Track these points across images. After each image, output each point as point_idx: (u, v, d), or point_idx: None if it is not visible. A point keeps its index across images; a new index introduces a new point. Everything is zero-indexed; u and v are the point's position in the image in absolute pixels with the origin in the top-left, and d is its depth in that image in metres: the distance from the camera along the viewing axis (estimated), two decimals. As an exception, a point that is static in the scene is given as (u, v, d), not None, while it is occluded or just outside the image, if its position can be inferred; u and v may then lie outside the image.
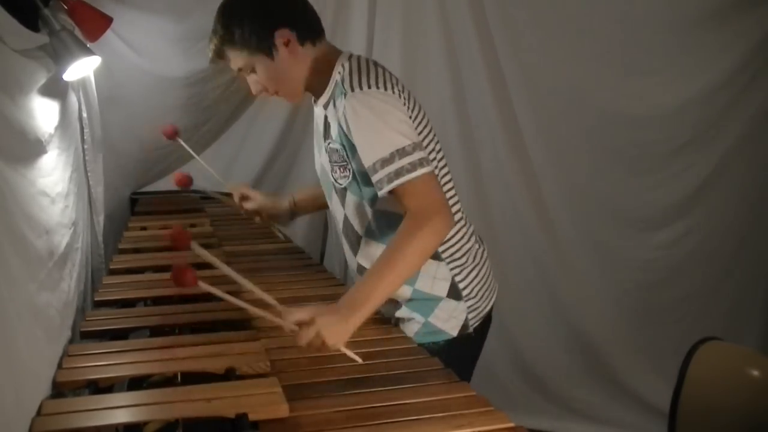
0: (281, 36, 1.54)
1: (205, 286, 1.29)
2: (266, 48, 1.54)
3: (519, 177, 2.98)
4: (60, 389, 1.40)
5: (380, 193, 1.47)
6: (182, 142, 2.19)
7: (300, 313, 1.32)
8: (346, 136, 1.53)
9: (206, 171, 2.25)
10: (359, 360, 1.38)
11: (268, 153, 3.30)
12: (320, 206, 2.12)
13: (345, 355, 1.37)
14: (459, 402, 1.30)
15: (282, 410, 1.24)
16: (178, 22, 2.84)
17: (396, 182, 1.43)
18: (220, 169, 3.27)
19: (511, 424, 1.21)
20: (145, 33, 2.82)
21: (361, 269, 1.71)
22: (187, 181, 2.19)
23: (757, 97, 2.72)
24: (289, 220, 2.10)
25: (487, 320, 1.75)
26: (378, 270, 1.40)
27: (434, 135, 1.63)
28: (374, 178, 1.47)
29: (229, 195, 2.11)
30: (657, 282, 2.95)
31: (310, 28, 1.58)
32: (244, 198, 2.04)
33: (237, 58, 1.57)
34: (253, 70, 1.58)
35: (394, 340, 1.60)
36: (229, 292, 1.36)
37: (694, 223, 2.88)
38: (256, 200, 2.03)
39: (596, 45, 2.79)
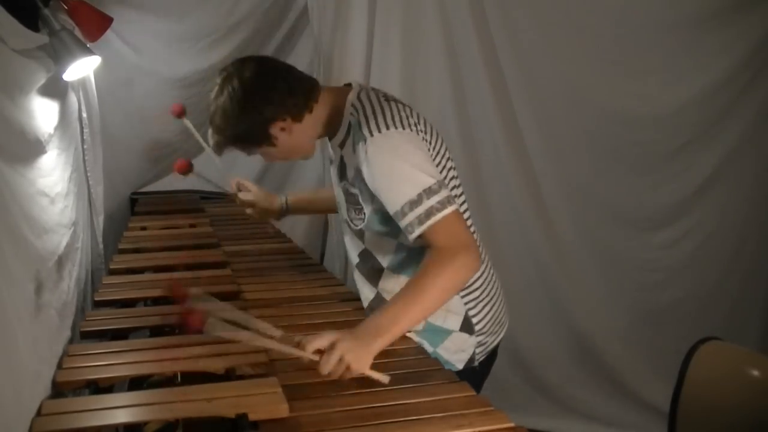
0: (276, 127, 1.54)
1: (216, 331, 1.27)
2: (265, 141, 1.55)
3: (519, 177, 2.98)
4: (60, 389, 1.40)
5: (411, 237, 1.44)
6: (187, 123, 2.24)
7: (319, 341, 1.29)
8: (364, 182, 1.51)
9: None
10: (386, 380, 1.34)
11: (268, 153, 3.30)
12: (313, 211, 2.12)
13: (369, 378, 1.34)
14: (459, 402, 1.30)
15: (282, 410, 1.24)
16: (178, 22, 2.85)
17: (427, 224, 1.40)
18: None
19: (511, 424, 1.21)
20: (145, 33, 2.83)
21: (379, 298, 1.68)
22: (187, 168, 2.19)
23: (757, 97, 2.71)
24: (279, 218, 2.11)
25: (492, 355, 1.73)
26: (403, 300, 1.37)
27: (450, 160, 1.61)
28: (403, 223, 1.44)
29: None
30: (657, 282, 2.95)
31: (302, 104, 1.55)
32: (240, 188, 2.05)
33: (243, 150, 1.60)
34: (262, 153, 1.61)
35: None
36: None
37: (694, 223, 2.88)
38: (253, 192, 2.04)
39: (596, 45, 2.78)
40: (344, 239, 1.75)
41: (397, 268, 1.64)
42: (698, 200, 2.85)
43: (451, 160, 1.62)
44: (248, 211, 2.05)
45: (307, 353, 1.29)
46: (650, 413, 2.90)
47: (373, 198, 1.51)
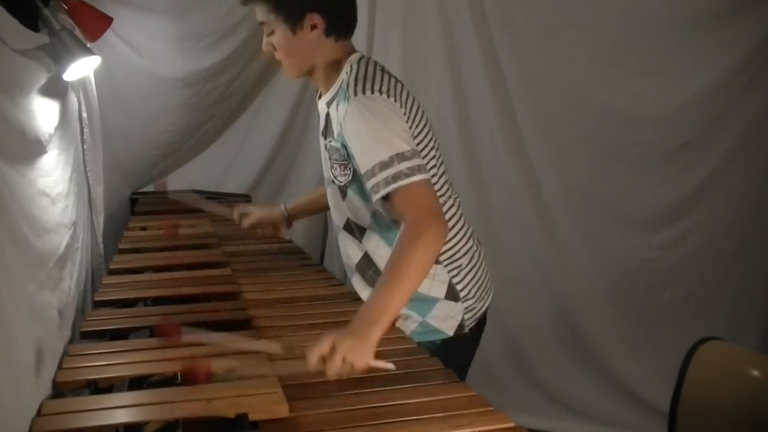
0: (311, 19, 1.56)
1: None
2: (293, 22, 1.56)
3: (519, 177, 2.98)
4: (60, 389, 1.40)
5: (375, 198, 1.48)
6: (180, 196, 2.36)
7: (319, 348, 1.28)
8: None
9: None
10: (392, 367, 1.35)
11: (268, 153, 3.31)
12: (316, 210, 2.14)
13: (377, 368, 1.34)
14: (459, 402, 1.30)
15: (282, 410, 1.24)
16: (178, 22, 2.85)
17: (393, 186, 1.44)
18: (220, 169, 3.30)
19: (511, 424, 1.21)
20: (145, 33, 2.83)
21: (366, 259, 1.72)
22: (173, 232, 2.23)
23: (756, 98, 2.71)
24: (287, 227, 2.15)
25: (482, 321, 1.77)
26: (386, 284, 1.38)
27: (435, 141, 1.65)
28: (370, 183, 1.47)
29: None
30: (657, 282, 2.95)
31: (341, 25, 1.60)
32: (243, 215, 2.11)
33: (263, 14, 1.59)
34: (272, 32, 1.60)
35: (394, 340, 1.60)
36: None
37: (694, 223, 2.88)
38: (254, 214, 2.10)
39: (596, 45, 2.79)
40: (330, 207, 1.77)
41: (376, 231, 1.67)
42: (698, 200, 2.85)
43: (435, 141, 1.64)
44: (258, 231, 2.12)
45: (312, 364, 1.28)
46: (650, 413, 2.90)
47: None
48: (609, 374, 3.03)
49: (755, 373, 1.58)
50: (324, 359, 1.28)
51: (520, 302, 3.02)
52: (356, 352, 1.28)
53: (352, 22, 1.63)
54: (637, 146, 2.85)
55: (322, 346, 1.28)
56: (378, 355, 1.40)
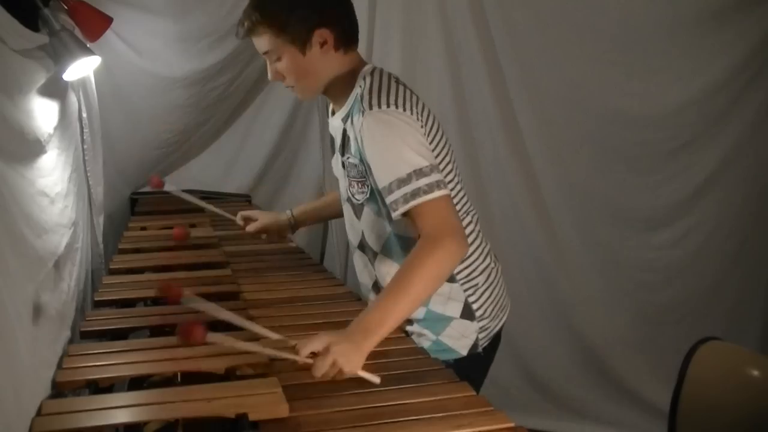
0: (321, 35, 1.52)
1: (214, 338, 1.29)
2: (302, 41, 1.51)
3: (519, 177, 2.98)
4: (60, 389, 1.40)
5: (395, 215, 1.45)
6: (180, 194, 2.27)
7: (313, 344, 1.29)
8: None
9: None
10: (377, 381, 1.34)
11: (268, 153, 3.30)
12: (323, 218, 2.12)
13: (361, 378, 1.34)
14: (459, 402, 1.30)
15: (282, 410, 1.24)
16: (178, 22, 2.85)
17: (412, 203, 1.41)
18: (220, 169, 3.30)
19: (511, 424, 1.21)
20: (145, 33, 2.83)
21: (377, 285, 1.70)
22: (185, 235, 2.21)
23: (756, 97, 2.71)
24: (293, 232, 2.14)
25: (496, 339, 1.74)
26: (391, 294, 1.37)
27: (452, 154, 1.62)
28: (389, 199, 1.44)
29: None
30: (657, 282, 2.95)
31: (348, 36, 1.56)
32: (247, 220, 2.10)
33: (268, 41, 1.53)
34: (279, 59, 1.55)
35: (395, 340, 1.60)
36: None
37: (695, 223, 2.88)
38: (259, 220, 2.08)
39: (596, 45, 2.78)
40: (345, 225, 1.75)
41: (389, 254, 1.65)
42: (698, 200, 2.85)
43: (451, 154, 1.62)
44: (263, 237, 2.09)
45: (302, 357, 1.30)
46: (650, 413, 2.90)
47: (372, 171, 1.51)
48: (609, 374, 3.03)
49: (755, 373, 1.58)
50: (315, 356, 1.29)
51: (519, 302, 2.99)
52: (347, 358, 1.28)
53: (355, 31, 1.60)
54: (637, 146, 2.85)
55: (317, 344, 1.29)
56: (378, 354, 1.40)
